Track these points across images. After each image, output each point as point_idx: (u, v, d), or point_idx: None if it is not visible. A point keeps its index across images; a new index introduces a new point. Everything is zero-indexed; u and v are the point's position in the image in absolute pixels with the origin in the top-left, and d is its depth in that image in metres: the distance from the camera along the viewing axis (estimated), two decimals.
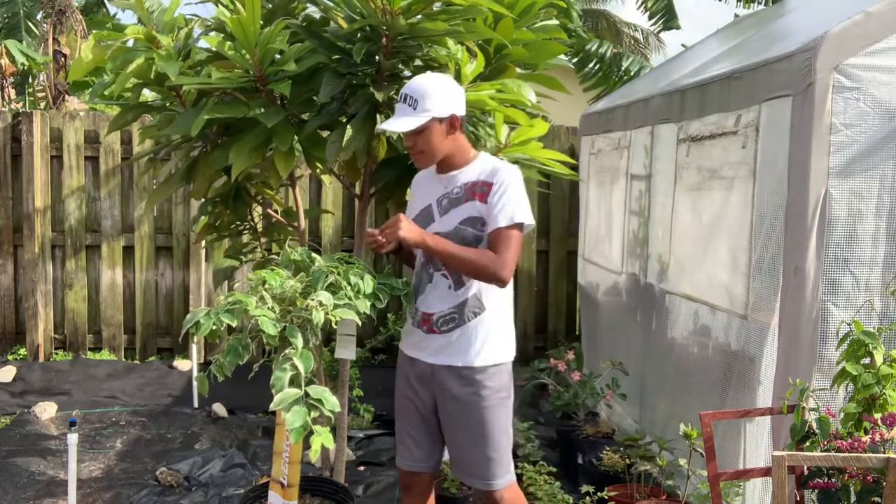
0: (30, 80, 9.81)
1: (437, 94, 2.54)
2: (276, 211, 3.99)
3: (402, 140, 3.19)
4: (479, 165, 2.66)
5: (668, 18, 9.08)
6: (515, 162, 3.64)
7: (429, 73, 2.71)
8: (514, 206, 2.54)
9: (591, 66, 8.48)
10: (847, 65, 2.77)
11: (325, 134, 3.33)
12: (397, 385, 2.82)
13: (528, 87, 3.35)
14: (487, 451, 2.63)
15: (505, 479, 2.67)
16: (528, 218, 2.58)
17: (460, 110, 2.61)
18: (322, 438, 2.27)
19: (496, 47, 3.37)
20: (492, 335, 2.65)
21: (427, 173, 2.79)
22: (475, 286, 2.62)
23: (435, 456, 2.80)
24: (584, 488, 3.48)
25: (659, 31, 9.47)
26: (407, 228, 2.52)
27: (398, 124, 2.55)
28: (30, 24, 9.54)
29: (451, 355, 2.63)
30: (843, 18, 2.82)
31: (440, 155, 2.63)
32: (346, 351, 2.80)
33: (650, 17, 9.21)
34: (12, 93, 9.56)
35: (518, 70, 3.47)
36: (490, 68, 3.40)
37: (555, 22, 3.58)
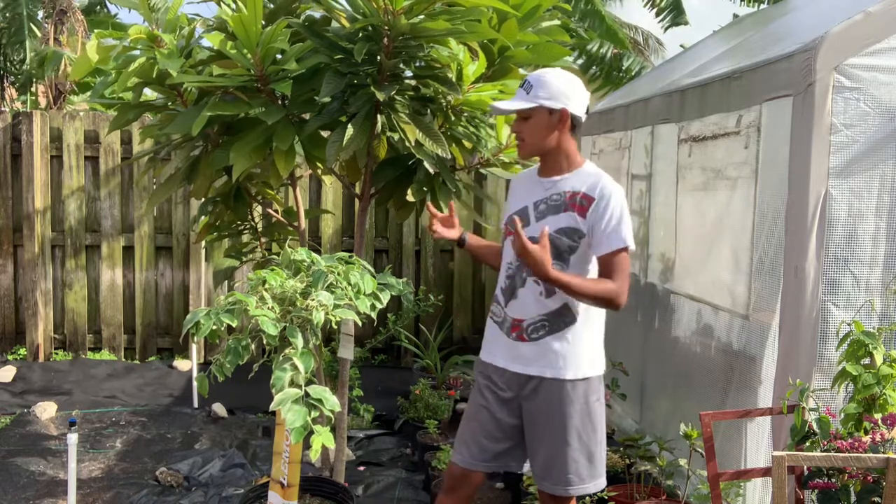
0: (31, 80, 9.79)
1: (552, 86, 2.51)
2: (276, 211, 3.99)
3: (405, 140, 3.20)
4: (583, 175, 2.58)
5: (675, 14, 9.06)
6: (516, 162, 3.65)
7: (559, 69, 2.62)
8: (623, 227, 2.51)
9: (593, 68, 8.50)
10: (847, 65, 2.77)
11: (325, 134, 3.33)
12: (474, 390, 2.73)
13: None
14: (569, 459, 2.57)
15: (581, 487, 2.60)
16: (632, 241, 2.53)
17: (577, 110, 2.53)
18: (322, 438, 2.27)
19: (499, 49, 3.37)
20: (582, 347, 2.60)
21: (528, 174, 2.73)
22: (566, 296, 2.55)
23: (499, 458, 2.69)
24: None
25: (667, 28, 9.40)
26: (534, 251, 2.37)
27: (507, 104, 2.54)
28: (32, 25, 9.52)
29: (543, 367, 2.57)
30: (843, 18, 2.82)
31: (541, 148, 2.57)
32: (346, 350, 2.80)
33: (657, 14, 9.15)
34: (13, 93, 9.55)
35: (522, 72, 3.47)
36: (493, 70, 3.40)
37: (557, 22, 3.57)
